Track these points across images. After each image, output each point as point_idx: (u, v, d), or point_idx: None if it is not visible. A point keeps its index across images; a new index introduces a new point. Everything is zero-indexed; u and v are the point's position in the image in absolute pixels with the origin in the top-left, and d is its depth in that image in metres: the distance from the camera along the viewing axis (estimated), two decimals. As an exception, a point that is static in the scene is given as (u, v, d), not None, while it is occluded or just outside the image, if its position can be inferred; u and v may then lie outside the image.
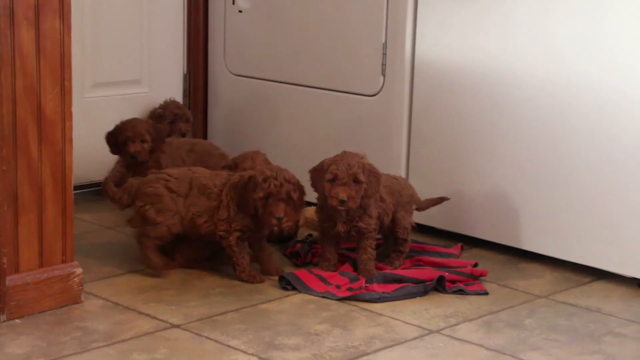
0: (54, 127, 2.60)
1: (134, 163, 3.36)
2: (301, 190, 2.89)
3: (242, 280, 2.90)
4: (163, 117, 3.76)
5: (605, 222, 2.96)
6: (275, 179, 2.83)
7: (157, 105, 3.82)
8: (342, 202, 2.83)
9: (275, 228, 2.87)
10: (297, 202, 2.87)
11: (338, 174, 2.84)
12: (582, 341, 2.58)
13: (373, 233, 2.92)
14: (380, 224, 2.96)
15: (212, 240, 2.94)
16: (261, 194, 2.83)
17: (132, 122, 3.40)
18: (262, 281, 2.90)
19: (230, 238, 2.88)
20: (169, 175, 2.96)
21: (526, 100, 3.07)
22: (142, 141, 3.36)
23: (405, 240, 3.04)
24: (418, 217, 3.19)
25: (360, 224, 2.90)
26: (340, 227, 2.90)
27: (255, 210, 2.84)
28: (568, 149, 3.01)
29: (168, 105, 3.80)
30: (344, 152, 2.90)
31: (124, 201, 2.96)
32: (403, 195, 3.04)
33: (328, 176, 2.85)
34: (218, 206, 2.89)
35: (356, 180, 2.84)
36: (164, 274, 2.91)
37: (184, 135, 3.76)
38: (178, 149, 3.50)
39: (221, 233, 2.89)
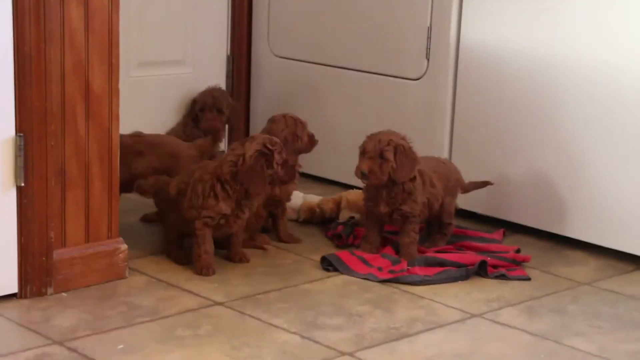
0: (102, 104, 2.62)
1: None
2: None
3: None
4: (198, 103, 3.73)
5: (650, 210, 2.94)
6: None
7: (200, 85, 3.82)
8: (363, 174, 2.82)
9: None
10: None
11: (367, 147, 2.83)
12: (626, 328, 2.56)
13: (417, 218, 2.90)
14: (430, 209, 2.95)
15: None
16: None
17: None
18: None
19: None
20: None
21: (575, 87, 3.04)
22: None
23: (450, 224, 3.03)
24: (461, 202, 3.18)
25: (405, 208, 2.88)
26: (382, 208, 2.89)
27: None
28: (615, 137, 2.98)
29: (205, 93, 3.74)
30: (385, 130, 2.89)
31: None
32: (451, 180, 3.03)
33: (360, 149, 2.85)
34: None
35: (382, 157, 2.82)
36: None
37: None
38: None
39: None
